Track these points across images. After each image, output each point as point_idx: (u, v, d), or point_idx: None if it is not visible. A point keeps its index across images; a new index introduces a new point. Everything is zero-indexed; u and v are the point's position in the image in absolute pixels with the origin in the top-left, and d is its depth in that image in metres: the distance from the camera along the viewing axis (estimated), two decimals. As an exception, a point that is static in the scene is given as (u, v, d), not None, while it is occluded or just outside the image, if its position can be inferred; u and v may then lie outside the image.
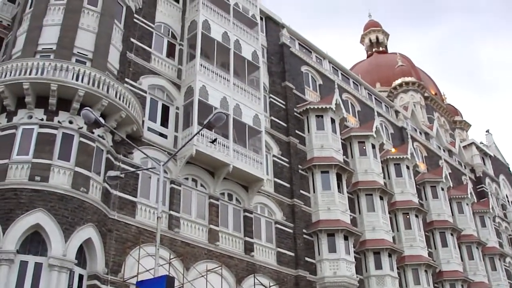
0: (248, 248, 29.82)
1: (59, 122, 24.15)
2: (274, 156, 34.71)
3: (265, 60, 38.20)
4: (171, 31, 32.90)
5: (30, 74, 24.20)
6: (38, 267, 21.47)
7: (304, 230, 33.89)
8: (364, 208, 38.91)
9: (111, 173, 20.72)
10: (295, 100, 39.23)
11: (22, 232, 21.50)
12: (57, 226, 21.90)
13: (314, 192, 36.04)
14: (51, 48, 26.32)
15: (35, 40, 26.61)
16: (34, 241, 21.93)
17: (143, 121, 27.84)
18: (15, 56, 26.62)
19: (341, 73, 47.73)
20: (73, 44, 26.44)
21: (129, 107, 25.85)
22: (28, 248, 21.78)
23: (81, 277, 22.75)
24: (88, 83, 24.52)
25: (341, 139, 39.80)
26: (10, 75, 24.37)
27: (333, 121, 39.07)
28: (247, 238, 30.04)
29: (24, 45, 26.70)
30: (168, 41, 32.40)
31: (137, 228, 25.44)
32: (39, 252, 21.79)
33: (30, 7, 28.38)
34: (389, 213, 40.78)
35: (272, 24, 41.40)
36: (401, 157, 44.39)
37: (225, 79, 31.83)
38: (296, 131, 37.58)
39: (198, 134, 27.13)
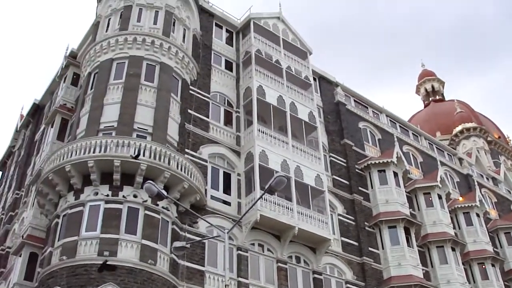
0: (318, 309, 29.25)
1: (124, 196, 24.71)
2: (339, 215, 34.34)
3: (321, 119, 38.32)
4: (227, 99, 33.55)
5: (94, 152, 25.04)
6: None
7: (375, 288, 33.10)
8: (436, 261, 37.76)
9: (177, 243, 20.85)
10: (356, 157, 38.99)
11: (94, 308, 21.80)
12: (128, 300, 22.09)
13: (383, 248, 35.31)
14: (113, 126, 27.26)
15: (97, 119, 27.62)
16: (106, 316, 22.18)
17: (205, 190, 28.15)
18: (79, 136, 27.60)
19: (400, 126, 47.35)
20: (133, 120, 27.32)
21: (191, 177, 26.24)
22: (99, 324, 22.02)
23: None
24: (150, 157, 25.13)
25: (405, 192, 39.12)
26: (76, 154, 25.25)
27: (395, 174, 38.54)
28: (315, 300, 29.52)
29: (87, 125, 27.73)
30: (224, 109, 33.01)
31: (207, 297, 25.40)
32: (109, 328, 21.99)
33: (91, 89, 29.59)
34: (463, 264, 39.41)
35: (325, 84, 41.69)
36: (470, 205, 43.24)
37: (283, 142, 32.04)
38: (359, 188, 37.18)
39: (261, 199, 27.22)
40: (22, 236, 29.00)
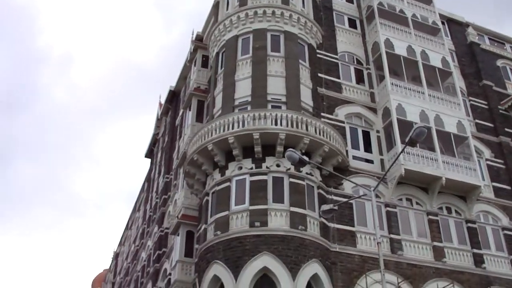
0: (478, 260, 28.39)
1: (267, 167, 25.27)
2: (487, 159, 33.01)
3: (456, 63, 36.79)
4: (356, 58, 33.16)
5: (233, 129, 25.76)
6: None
7: (536, 233, 31.55)
8: None
9: (325, 207, 21.10)
10: (498, 97, 37.12)
11: (252, 276, 22.70)
12: (283, 266, 22.75)
13: (538, 189, 33.47)
14: (247, 100, 27.86)
15: (231, 96, 28.33)
16: (265, 283, 22.97)
17: (346, 151, 28.13)
18: (217, 115, 28.47)
19: (543, 58, 44.36)
20: (266, 91, 27.74)
21: (330, 140, 26.32)
22: (260, 291, 22.85)
23: (313, 313, 23.29)
24: (287, 126, 25.46)
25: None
26: (216, 133, 26.13)
27: (544, 111, 36.28)
28: (475, 250, 28.64)
29: (222, 103, 28.55)
30: (354, 68, 32.70)
31: (360, 257, 25.52)
32: (271, 293, 22.72)
33: (221, 68, 30.35)
34: None
35: (455, 26, 39.93)
36: None
37: (419, 92, 31.21)
38: (505, 129, 35.35)
39: (403, 153, 26.80)
40: (177, 217, 30.60)
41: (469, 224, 29.36)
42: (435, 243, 27.69)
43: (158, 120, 49.47)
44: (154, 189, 46.64)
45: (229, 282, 22.83)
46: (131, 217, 63.25)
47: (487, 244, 29.55)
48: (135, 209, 60.41)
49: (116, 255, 73.06)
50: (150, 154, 54.76)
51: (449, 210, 29.48)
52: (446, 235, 28.45)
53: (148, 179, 53.09)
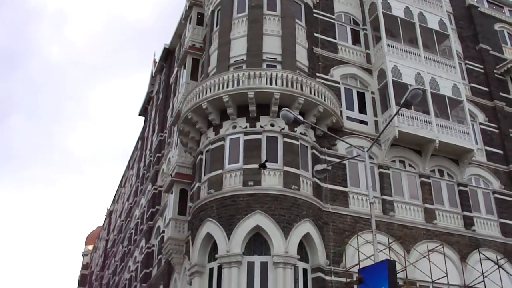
0: (468, 222, 28.65)
1: (261, 127, 25.25)
2: (480, 123, 33.06)
3: (453, 26, 36.45)
4: (352, 18, 32.85)
5: (227, 87, 25.63)
6: (264, 266, 22.73)
7: (527, 197, 31.81)
8: None
9: (318, 167, 21.28)
10: (494, 62, 36.92)
11: (245, 234, 22.93)
12: (276, 225, 22.93)
13: (531, 154, 33.62)
14: (242, 59, 27.68)
15: (226, 54, 28.13)
16: (257, 242, 23.24)
17: (341, 112, 28.10)
18: (212, 73, 28.31)
19: (540, 22, 44.05)
20: (261, 50, 27.54)
21: (325, 100, 26.25)
22: (253, 249, 23.10)
23: (305, 271, 23.56)
24: (282, 85, 25.34)
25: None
26: (210, 91, 26.01)
27: (540, 76, 36.19)
28: (465, 213, 28.89)
29: (217, 61, 28.36)
30: (351, 28, 32.41)
31: (352, 217, 25.72)
32: (263, 252, 23.01)
33: (217, 26, 30.08)
34: None
35: (454, -12, 39.50)
36: None
37: (415, 54, 31.00)
38: (500, 94, 35.32)
39: (398, 115, 26.82)
40: (171, 175, 30.66)
41: (461, 187, 29.58)
42: (427, 205, 27.92)
43: (153, 78, 49.26)
44: (148, 147, 46.71)
45: (221, 240, 23.02)
46: (125, 175, 63.49)
47: (478, 207, 29.83)
48: (129, 167, 60.59)
49: (110, 213, 73.61)
50: (144, 112, 54.66)
51: (441, 173, 29.64)
52: (437, 197, 28.67)
53: (142, 137, 53.13)
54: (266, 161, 24.25)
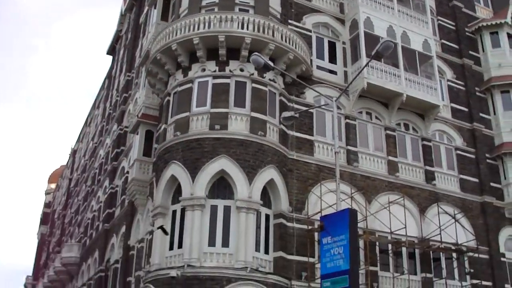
0: (429, 177, 29.21)
1: (230, 71, 25.04)
2: (448, 80, 33.29)
3: (428, -19, 36.27)
4: (327, -34, 32.39)
5: (198, 29, 25.22)
6: (227, 210, 22.90)
7: (487, 155, 32.34)
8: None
9: (286, 114, 21.32)
10: (466, 19, 36.92)
11: (209, 178, 22.96)
12: (240, 170, 23.02)
13: (495, 114, 34.06)
14: (214, 2, 27.20)
15: (199, -4, 27.57)
16: (221, 186, 23.33)
17: (311, 60, 27.98)
18: (183, 15, 27.81)
19: (514, -17, 44.08)
20: (235, -6, 27.05)
21: (296, 48, 26.07)
22: (216, 193, 23.21)
23: (267, 216, 23.82)
24: (254, 30, 25.03)
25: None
26: (181, 33, 25.56)
27: (510, 36, 36.28)
28: (427, 167, 29.41)
29: (189, 3, 27.83)
30: (325, -24, 31.99)
31: (317, 166, 25.95)
32: (226, 196, 23.15)
33: (190, -35, 29.32)
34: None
35: None
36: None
37: (389, 7, 30.82)
38: (470, 52, 35.48)
39: (367, 67, 26.83)
40: (137, 116, 30.40)
41: (425, 142, 29.99)
42: (390, 158, 28.30)
43: (122, 16, 48.23)
44: (115, 87, 46.14)
45: (186, 183, 23.04)
46: (90, 114, 62.78)
47: (440, 162, 30.36)
48: (95, 106, 59.91)
49: (74, 152, 73.03)
50: (112, 51, 53.78)
51: (406, 126, 29.95)
52: (401, 150, 29.06)
53: (109, 76, 52.42)
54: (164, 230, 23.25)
